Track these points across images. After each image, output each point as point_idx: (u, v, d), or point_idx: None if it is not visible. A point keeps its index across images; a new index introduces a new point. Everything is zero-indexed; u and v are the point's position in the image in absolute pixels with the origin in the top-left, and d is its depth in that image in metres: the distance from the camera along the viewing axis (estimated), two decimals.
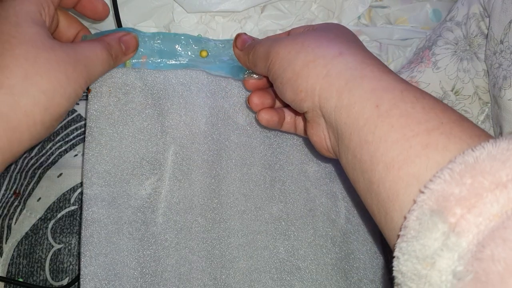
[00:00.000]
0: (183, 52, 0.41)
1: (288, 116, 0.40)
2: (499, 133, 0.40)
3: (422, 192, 0.21)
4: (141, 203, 0.39)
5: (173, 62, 0.41)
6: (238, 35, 0.39)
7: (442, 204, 0.20)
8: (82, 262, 0.37)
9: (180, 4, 0.46)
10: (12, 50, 0.29)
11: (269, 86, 0.41)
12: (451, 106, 0.44)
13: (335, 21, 0.49)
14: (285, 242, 0.40)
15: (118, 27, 0.43)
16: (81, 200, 0.39)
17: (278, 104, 0.41)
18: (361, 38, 0.48)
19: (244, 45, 0.38)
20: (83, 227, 0.37)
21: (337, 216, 0.42)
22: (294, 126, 0.40)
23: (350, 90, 0.27)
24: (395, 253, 0.22)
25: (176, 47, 0.40)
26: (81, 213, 0.39)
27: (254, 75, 0.40)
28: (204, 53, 0.40)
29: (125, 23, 0.47)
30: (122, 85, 0.40)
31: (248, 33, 0.48)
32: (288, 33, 0.39)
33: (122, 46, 0.36)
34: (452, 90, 0.44)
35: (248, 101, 0.39)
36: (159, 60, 0.40)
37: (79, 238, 0.38)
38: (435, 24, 0.49)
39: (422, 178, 0.22)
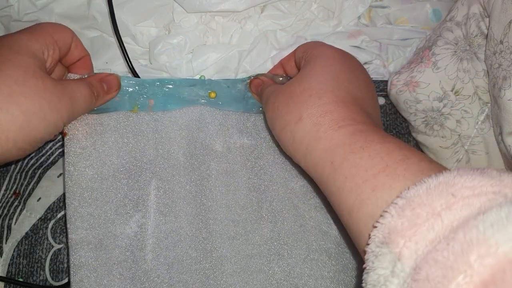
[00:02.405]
0: (192, 95, 0.43)
1: None
2: (499, 133, 0.40)
3: (375, 227, 0.23)
4: (129, 242, 0.39)
5: (182, 101, 0.43)
6: (251, 81, 0.43)
7: (388, 236, 0.22)
8: None
9: (180, 4, 0.46)
10: (5, 71, 0.31)
11: None
12: (451, 106, 0.44)
13: (335, 21, 0.49)
14: (280, 262, 0.40)
15: (114, 28, 0.43)
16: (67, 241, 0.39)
17: None
18: (361, 38, 0.48)
19: (257, 89, 0.42)
20: (72, 272, 0.37)
21: (329, 227, 0.41)
22: None
23: (310, 154, 0.31)
24: (362, 284, 0.24)
25: (184, 90, 0.43)
26: (68, 258, 0.39)
27: None
28: (213, 94, 0.43)
29: (125, 23, 0.47)
30: (97, 126, 0.40)
31: (248, 34, 0.48)
32: (295, 52, 0.42)
33: (104, 86, 0.39)
34: (452, 90, 0.44)
35: None
36: (168, 101, 0.42)
37: (69, 282, 0.38)
38: (435, 24, 0.49)
39: (375, 216, 0.25)
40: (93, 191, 0.39)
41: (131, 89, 0.41)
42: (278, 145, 0.44)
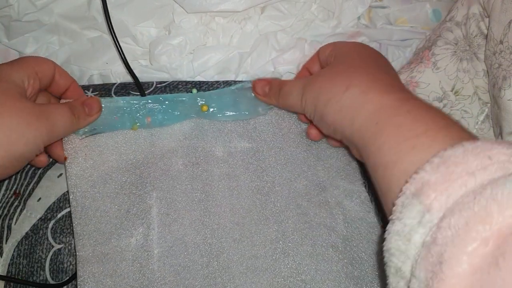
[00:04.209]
0: (185, 109, 0.44)
1: None
2: (499, 133, 0.40)
3: (407, 182, 0.25)
4: (135, 253, 0.40)
5: (177, 116, 0.44)
6: (254, 83, 0.43)
7: (420, 189, 0.24)
8: None
9: (180, 4, 0.46)
10: None
11: None
12: (451, 106, 0.44)
13: (335, 22, 0.49)
14: (286, 259, 0.40)
15: (109, 29, 0.44)
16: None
17: None
18: (360, 39, 0.48)
19: (264, 90, 0.43)
20: (79, 285, 0.38)
21: (335, 222, 0.42)
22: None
23: (357, 118, 0.33)
24: (385, 235, 0.25)
25: (178, 106, 0.44)
26: (75, 272, 0.40)
27: (273, 109, 0.44)
28: (205, 108, 0.44)
29: (125, 23, 0.47)
30: (95, 147, 0.42)
31: (248, 35, 0.48)
32: (318, 53, 0.42)
33: (86, 108, 0.41)
34: (451, 90, 0.44)
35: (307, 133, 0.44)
36: (164, 117, 0.43)
37: None
38: (435, 24, 0.49)
39: (409, 173, 0.26)
40: (97, 210, 0.41)
41: (127, 109, 0.43)
42: (279, 147, 0.44)
